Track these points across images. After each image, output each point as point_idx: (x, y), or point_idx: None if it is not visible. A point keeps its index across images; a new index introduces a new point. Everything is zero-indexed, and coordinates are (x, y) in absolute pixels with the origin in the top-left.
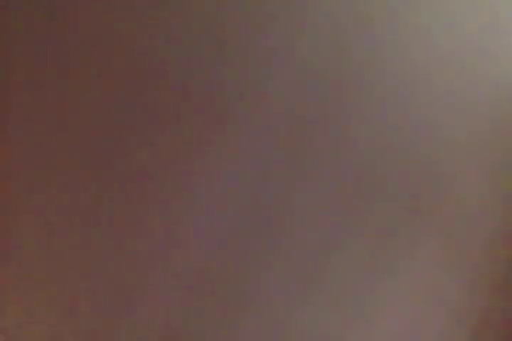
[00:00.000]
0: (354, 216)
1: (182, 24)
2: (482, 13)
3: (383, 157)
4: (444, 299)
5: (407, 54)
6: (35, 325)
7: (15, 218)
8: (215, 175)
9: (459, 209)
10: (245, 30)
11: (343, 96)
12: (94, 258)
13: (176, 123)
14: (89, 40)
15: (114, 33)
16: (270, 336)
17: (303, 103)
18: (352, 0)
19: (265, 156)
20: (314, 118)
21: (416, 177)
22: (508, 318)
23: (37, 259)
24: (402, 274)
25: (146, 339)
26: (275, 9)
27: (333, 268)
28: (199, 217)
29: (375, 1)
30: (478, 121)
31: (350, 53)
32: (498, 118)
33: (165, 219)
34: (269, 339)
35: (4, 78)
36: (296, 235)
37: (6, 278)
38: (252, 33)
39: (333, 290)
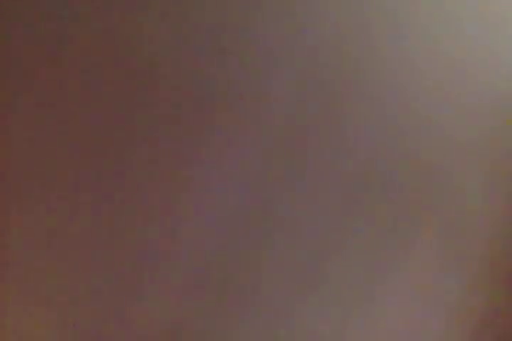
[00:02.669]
0: (354, 216)
1: (181, 24)
2: (483, 12)
3: (383, 157)
4: (444, 299)
5: (407, 55)
6: (35, 325)
7: (15, 218)
8: (214, 175)
9: (458, 209)
10: (245, 31)
11: (343, 97)
12: (94, 258)
13: (175, 123)
14: (89, 40)
15: (114, 32)
16: (270, 335)
17: (303, 104)
18: (352, 1)
19: (265, 156)
20: (314, 119)
21: (416, 178)
22: (508, 318)
23: (37, 259)
24: (402, 274)
25: (147, 338)
26: (275, 10)
27: (333, 267)
28: (199, 216)
29: (375, 1)
30: (479, 121)
31: (349, 54)
32: (498, 118)
33: (165, 219)
34: (270, 338)
35: (4, 78)
36: (296, 235)
37: (6, 278)
38: (251, 34)
39: (333, 290)
